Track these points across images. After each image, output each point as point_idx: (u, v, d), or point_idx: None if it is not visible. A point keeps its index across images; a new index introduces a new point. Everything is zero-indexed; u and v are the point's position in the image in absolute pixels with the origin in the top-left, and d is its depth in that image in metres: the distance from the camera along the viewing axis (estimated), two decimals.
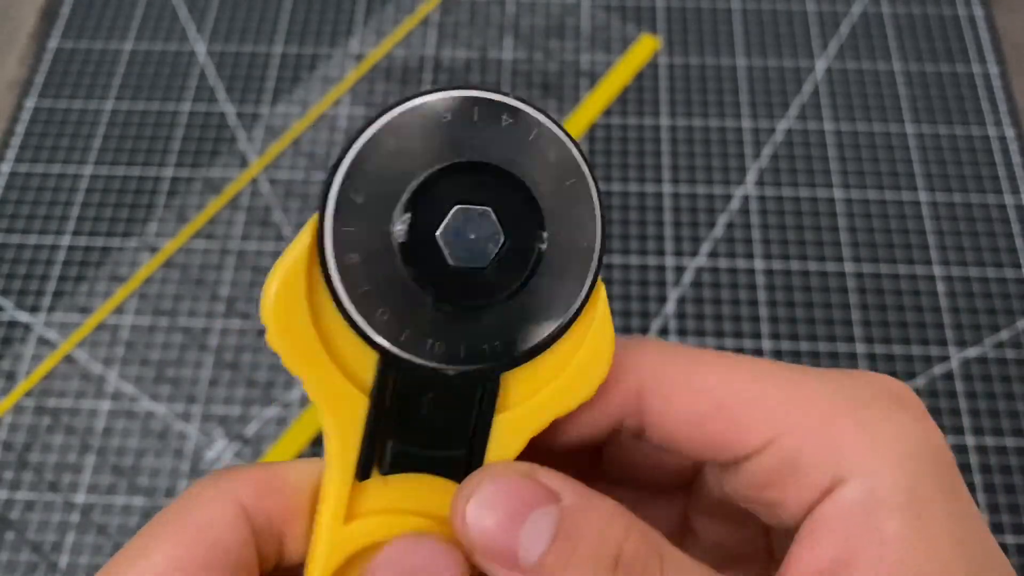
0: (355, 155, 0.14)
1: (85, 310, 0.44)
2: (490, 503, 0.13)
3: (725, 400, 0.14)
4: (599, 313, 0.15)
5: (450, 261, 0.14)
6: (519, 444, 0.15)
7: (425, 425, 0.15)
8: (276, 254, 0.46)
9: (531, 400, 0.15)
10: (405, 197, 0.14)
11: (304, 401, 0.42)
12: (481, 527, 0.13)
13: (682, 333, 0.44)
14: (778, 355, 0.43)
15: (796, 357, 0.43)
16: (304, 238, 0.15)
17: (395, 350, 0.14)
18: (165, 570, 0.12)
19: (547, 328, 0.15)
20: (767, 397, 0.14)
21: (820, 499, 0.13)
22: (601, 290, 0.15)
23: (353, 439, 0.15)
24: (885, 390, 0.14)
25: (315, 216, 0.15)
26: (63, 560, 0.38)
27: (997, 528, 0.39)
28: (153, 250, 0.46)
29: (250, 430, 0.41)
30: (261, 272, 0.45)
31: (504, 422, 0.14)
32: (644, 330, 0.44)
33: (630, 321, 0.44)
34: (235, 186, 0.48)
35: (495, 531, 0.12)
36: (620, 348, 0.15)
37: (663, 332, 0.44)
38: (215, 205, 0.47)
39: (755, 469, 0.14)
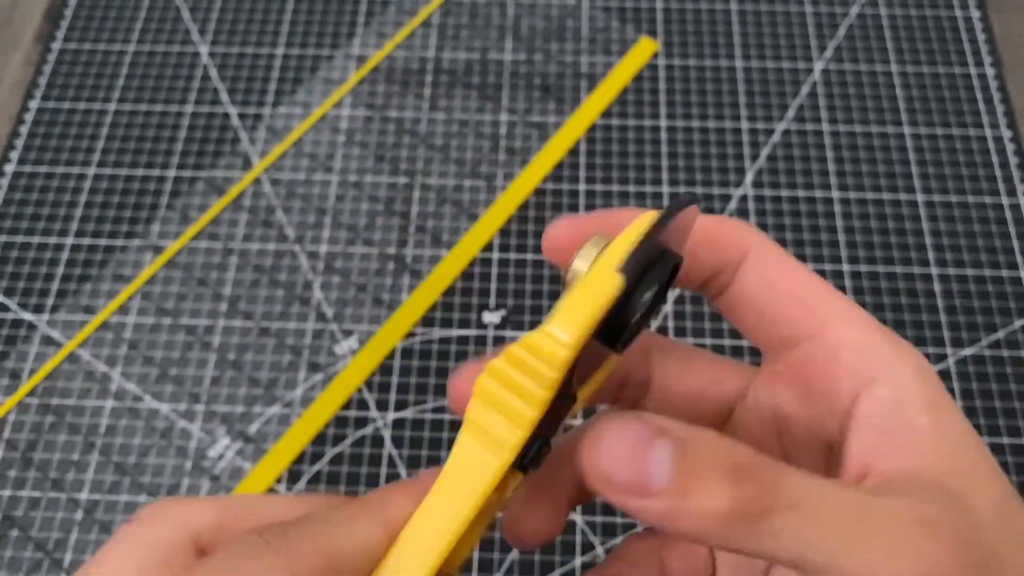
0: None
1: (89, 310, 0.45)
2: (616, 445, 0.15)
3: (796, 290, 0.17)
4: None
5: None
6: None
7: (552, 415, 0.17)
8: (278, 254, 0.46)
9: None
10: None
11: (305, 400, 0.42)
12: (612, 466, 0.15)
13: (680, 333, 0.44)
14: None
15: None
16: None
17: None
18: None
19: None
20: (823, 300, 0.17)
21: (857, 393, 0.17)
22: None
23: (515, 441, 0.16)
24: (896, 337, 0.17)
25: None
26: (67, 558, 0.39)
27: None
28: (156, 250, 0.47)
29: (252, 428, 0.42)
30: (263, 272, 0.46)
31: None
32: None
33: None
34: (238, 187, 0.48)
35: (626, 468, 0.15)
36: (736, 225, 0.18)
37: (662, 331, 0.44)
38: (218, 205, 0.48)
39: (802, 356, 0.17)
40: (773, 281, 0.18)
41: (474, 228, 0.47)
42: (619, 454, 0.15)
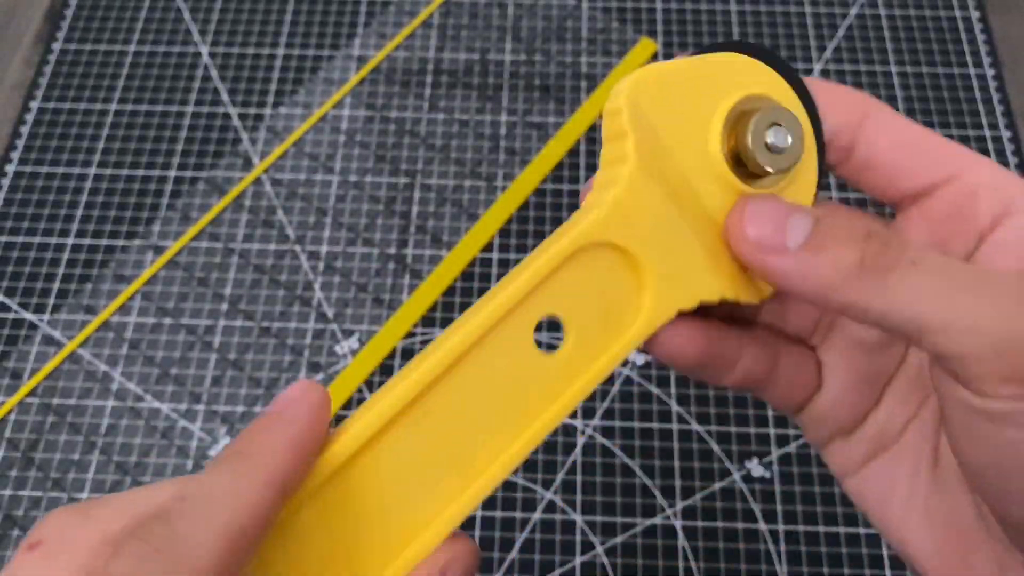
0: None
1: (90, 309, 0.45)
2: (759, 214, 0.17)
3: (925, 144, 0.18)
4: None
5: None
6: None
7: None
8: (278, 254, 0.46)
9: None
10: None
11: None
12: (756, 230, 0.17)
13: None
14: None
15: None
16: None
17: None
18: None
19: None
20: (952, 150, 0.18)
21: (992, 227, 0.17)
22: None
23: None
24: None
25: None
26: None
27: None
28: (157, 250, 0.47)
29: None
30: (263, 272, 0.46)
31: None
32: None
33: None
34: (238, 187, 0.48)
35: (768, 230, 0.17)
36: (852, 90, 0.19)
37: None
38: (218, 206, 0.48)
39: (939, 201, 0.18)
40: (901, 137, 0.18)
41: (474, 228, 0.47)
42: (762, 220, 0.17)
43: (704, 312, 0.19)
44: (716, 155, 0.17)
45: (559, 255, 0.17)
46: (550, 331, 0.40)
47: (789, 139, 0.17)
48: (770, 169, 0.17)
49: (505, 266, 0.46)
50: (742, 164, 0.17)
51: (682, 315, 0.18)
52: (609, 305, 0.17)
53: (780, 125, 0.17)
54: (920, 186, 0.18)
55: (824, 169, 0.18)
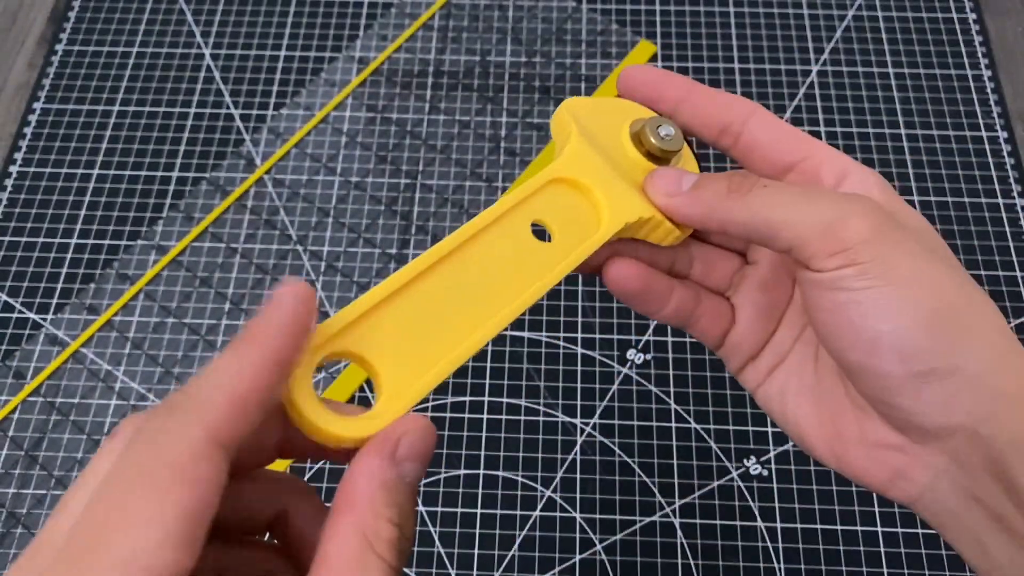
0: None
1: (93, 309, 0.45)
2: (664, 175, 0.25)
3: (790, 135, 0.25)
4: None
5: None
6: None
7: None
8: (280, 253, 0.47)
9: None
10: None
11: None
12: (662, 183, 0.25)
13: (679, 333, 0.44)
14: None
15: None
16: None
17: None
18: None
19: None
20: (808, 140, 0.25)
21: (837, 185, 0.24)
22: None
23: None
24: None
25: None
26: None
27: None
28: (160, 250, 0.47)
29: None
30: (266, 272, 0.46)
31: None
32: (643, 327, 0.44)
33: (629, 317, 0.45)
34: (241, 188, 0.49)
35: (668, 183, 0.25)
36: (741, 98, 0.26)
37: (662, 328, 0.44)
38: (221, 206, 0.48)
39: (797, 174, 0.25)
40: (774, 130, 0.25)
41: None
42: (666, 177, 0.25)
43: (648, 263, 0.26)
44: (631, 149, 0.26)
45: (534, 185, 0.25)
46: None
47: (672, 131, 0.26)
48: (666, 148, 0.26)
49: None
50: (649, 154, 0.26)
51: (628, 257, 0.26)
52: (578, 217, 0.25)
53: (664, 125, 0.26)
54: (785, 163, 0.25)
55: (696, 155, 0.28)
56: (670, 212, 0.25)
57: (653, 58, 0.53)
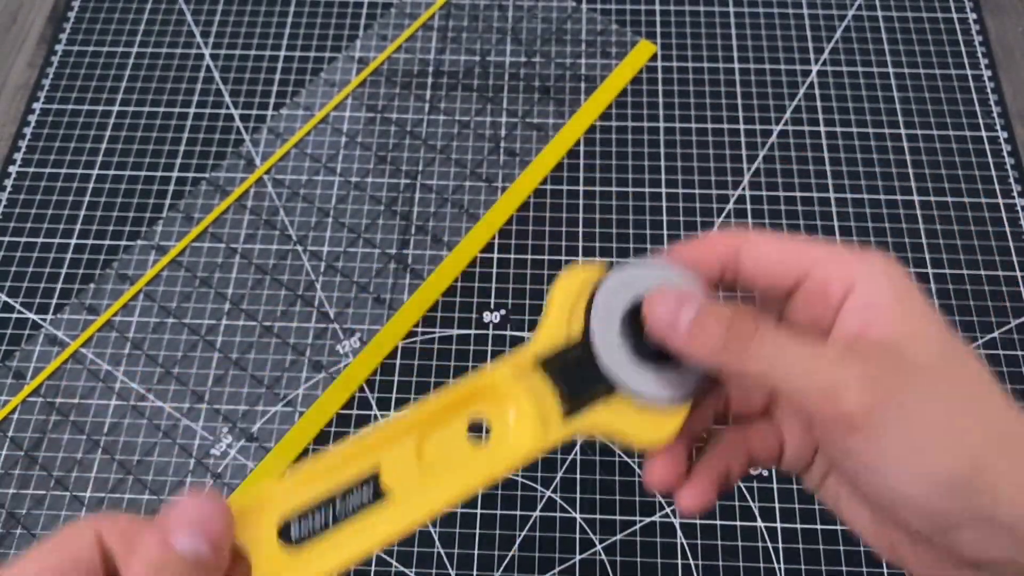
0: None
1: (92, 309, 0.45)
2: (664, 303, 0.24)
3: (783, 255, 0.24)
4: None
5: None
6: None
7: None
8: (280, 254, 0.47)
9: None
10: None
11: (307, 399, 0.43)
12: (661, 314, 0.23)
13: None
14: None
15: None
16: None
17: None
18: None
19: None
20: (809, 249, 0.24)
21: (843, 299, 0.23)
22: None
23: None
24: (868, 251, 0.24)
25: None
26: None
27: None
28: (160, 250, 0.47)
29: (255, 427, 0.42)
30: (265, 272, 0.46)
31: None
32: None
33: None
34: (241, 188, 0.49)
35: (668, 314, 0.23)
36: (722, 233, 0.25)
37: None
38: (221, 206, 0.48)
39: (804, 292, 0.24)
40: (766, 256, 0.25)
41: (474, 228, 0.47)
42: (664, 307, 0.24)
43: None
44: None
45: (476, 384, 0.24)
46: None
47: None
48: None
49: (506, 266, 0.46)
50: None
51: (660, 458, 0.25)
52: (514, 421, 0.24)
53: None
54: (788, 287, 0.24)
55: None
56: (671, 344, 0.23)
57: (653, 58, 0.53)
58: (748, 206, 0.48)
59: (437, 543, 0.39)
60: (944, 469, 0.20)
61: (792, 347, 0.22)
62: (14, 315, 0.45)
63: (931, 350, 0.22)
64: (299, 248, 0.47)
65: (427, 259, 0.46)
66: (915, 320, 0.22)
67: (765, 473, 0.41)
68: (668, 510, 0.40)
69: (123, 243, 0.47)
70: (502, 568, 0.39)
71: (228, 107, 0.52)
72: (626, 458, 0.41)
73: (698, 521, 0.40)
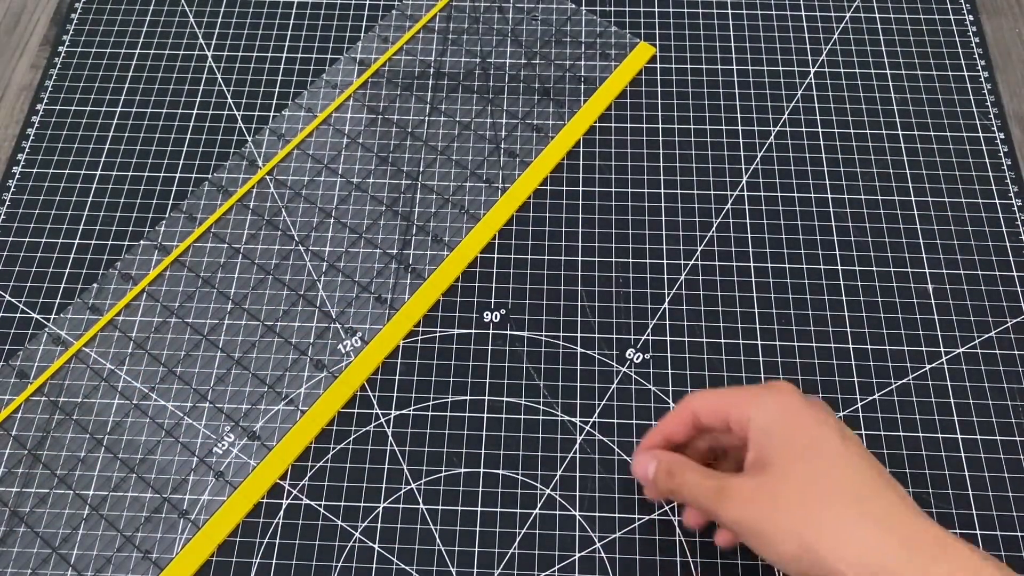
0: None
1: (95, 309, 0.45)
2: (638, 462, 0.37)
3: (714, 403, 0.36)
4: None
5: None
6: None
7: None
8: (283, 252, 0.47)
9: None
10: None
11: (309, 398, 0.43)
12: (636, 470, 0.37)
13: (677, 332, 0.45)
14: (771, 350, 0.44)
15: (791, 353, 0.44)
16: None
17: None
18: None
19: None
20: (726, 398, 0.35)
21: (747, 430, 0.33)
22: None
23: None
24: (768, 383, 0.35)
25: None
26: (73, 554, 0.39)
27: (987, 521, 0.40)
28: (163, 250, 0.47)
29: (257, 426, 0.42)
30: (267, 272, 0.46)
31: None
32: (641, 327, 0.45)
33: (628, 317, 0.45)
34: (243, 188, 0.49)
35: (640, 471, 0.36)
36: (679, 405, 0.37)
37: (660, 328, 0.45)
38: (223, 207, 0.48)
39: (735, 429, 0.34)
40: (705, 409, 0.36)
41: (475, 229, 0.48)
42: (638, 465, 0.37)
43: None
44: None
45: None
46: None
47: None
48: None
49: (506, 266, 0.47)
50: None
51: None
52: None
53: None
54: (724, 426, 0.35)
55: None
56: (649, 495, 0.38)
57: (652, 60, 0.53)
58: (746, 207, 0.48)
59: (438, 540, 0.40)
60: (780, 555, 0.31)
61: (692, 477, 0.34)
62: (17, 314, 0.45)
63: (794, 459, 0.31)
64: (301, 248, 0.47)
65: (428, 259, 0.47)
66: (789, 437, 0.32)
67: None
68: (667, 508, 0.40)
69: (126, 243, 0.47)
70: (502, 565, 0.39)
71: (231, 108, 0.52)
72: (625, 456, 0.41)
73: None
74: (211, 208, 0.48)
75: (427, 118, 0.51)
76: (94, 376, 0.44)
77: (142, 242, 0.47)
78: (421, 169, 0.50)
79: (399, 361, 0.44)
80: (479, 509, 0.40)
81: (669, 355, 0.44)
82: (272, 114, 0.52)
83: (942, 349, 0.44)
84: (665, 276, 0.46)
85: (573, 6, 0.56)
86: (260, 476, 0.41)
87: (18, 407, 0.43)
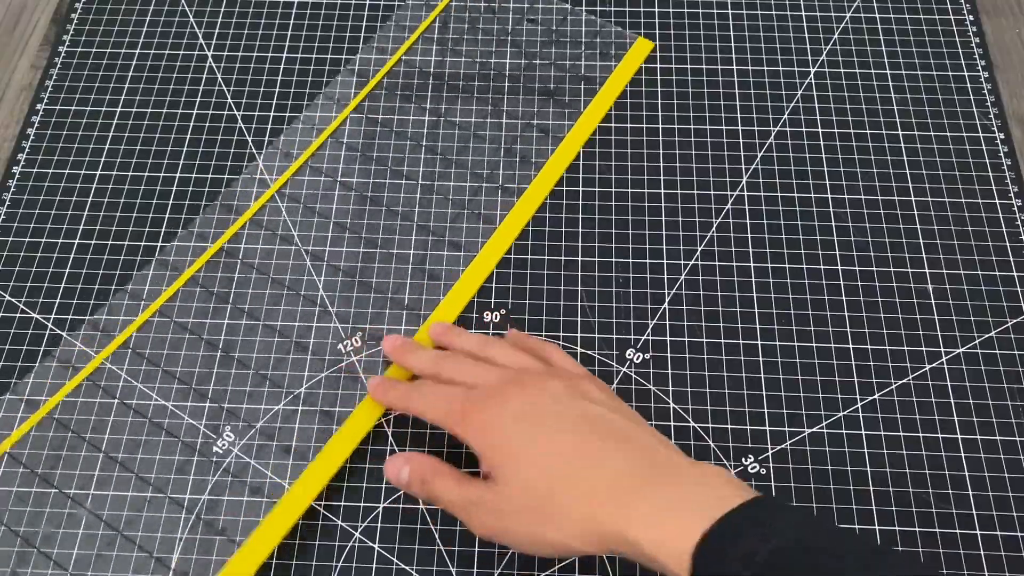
0: None
1: (108, 328, 0.45)
2: (392, 463, 0.38)
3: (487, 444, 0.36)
4: None
5: None
6: None
7: None
8: (296, 268, 0.47)
9: None
10: None
11: (308, 399, 0.43)
12: (390, 472, 0.38)
13: (677, 332, 0.45)
14: (771, 350, 0.44)
15: (791, 353, 0.44)
16: None
17: None
18: None
19: None
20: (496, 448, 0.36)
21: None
22: None
23: None
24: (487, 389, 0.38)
25: None
26: (74, 554, 0.39)
27: (986, 522, 0.40)
28: (174, 267, 0.47)
29: (258, 425, 0.42)
30: (283, 286, 0.46)
31: None
32: (642, 327, 0.45)
33: (628, 317, 0.45)
34: (255, 206, 0.48)
35: (393, 473, 0.37)
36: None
37: (660, 328, 0.45)
38: (235, 226, 0.48)
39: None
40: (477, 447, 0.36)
41: (493, 236, 0.47)
42: (392, 467, 0.37)
43: None
44: None
45: None
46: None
47: None
48: None
49: (505, 266, 0.47)
50: None
51: None
52: None
53: None
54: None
55: None
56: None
57: (651, 60, 0.53)
58: (746, 207, 0.48)
59: (438, 540, 0.40)
60: (536, 553, 0.34)
61: (445, 485, 0.35)
62: (17, 314, 0.45)
63: (503, 464, 0.34)
64: (316, 263, 0.47)
65: (445, 263, 0.47)
66: (497, 447, 0.35)
67: (763, 472, 0.41)
68: None
69: (126, 243, 0.47)
70: (502, 565, 0.39)
71: (231, 108, 0.52)
72: None
73: None
74: (224, 223, 0.47)
75: (429, 124, 0.51)
76: (107, 395, 0.43)
77: (155, 257, 0.46)
78: (428, 176, 0.50)
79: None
80: None
81: (669, 355, 0.44)
82: (272, 114, 0.51)
83: (942, 349, 0.44)
84: (665, 276, 0.46)
85: (567, 6, 0.55)
86: (259, 475, 0.41)
87: (31, 428, 0.42)
